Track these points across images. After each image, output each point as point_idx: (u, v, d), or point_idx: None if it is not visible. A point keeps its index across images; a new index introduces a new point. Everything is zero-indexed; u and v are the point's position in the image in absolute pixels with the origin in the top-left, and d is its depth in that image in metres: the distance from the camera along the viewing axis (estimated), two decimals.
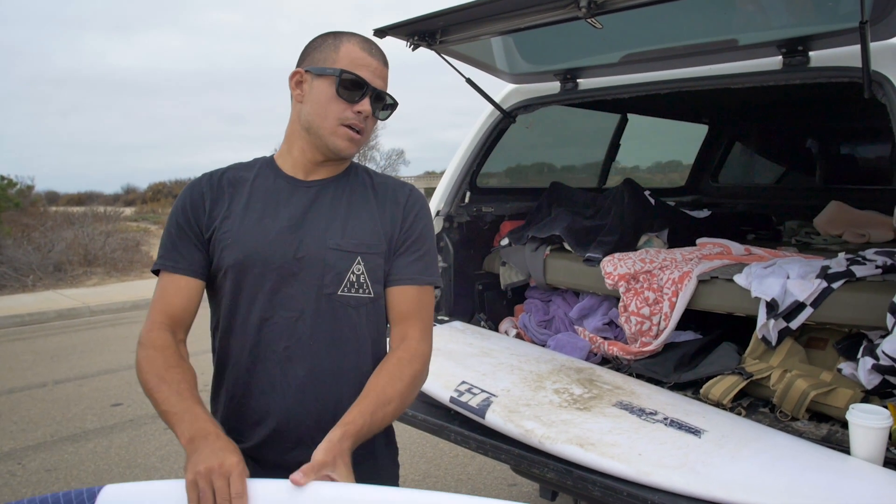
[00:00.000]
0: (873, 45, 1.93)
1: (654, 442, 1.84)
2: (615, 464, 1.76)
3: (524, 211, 3.33)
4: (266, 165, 1.56)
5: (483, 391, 2.13)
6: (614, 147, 4.02)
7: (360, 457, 1.35)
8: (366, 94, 1.45)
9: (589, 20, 2.15)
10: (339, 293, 1.47)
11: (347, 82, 1.44)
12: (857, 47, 1.97)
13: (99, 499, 1.18)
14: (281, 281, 1.45)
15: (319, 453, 1.23)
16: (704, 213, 3.54)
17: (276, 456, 1.47)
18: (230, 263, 1.45)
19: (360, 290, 1.48)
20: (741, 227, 3.72)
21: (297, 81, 1.50)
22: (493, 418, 2.01)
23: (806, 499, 1.58)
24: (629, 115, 3.96)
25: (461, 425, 2.14)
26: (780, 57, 2.21)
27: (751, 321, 2.44)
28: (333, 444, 1.25)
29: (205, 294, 1.54)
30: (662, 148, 5.09)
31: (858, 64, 1.97)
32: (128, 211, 17.72)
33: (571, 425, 1.93)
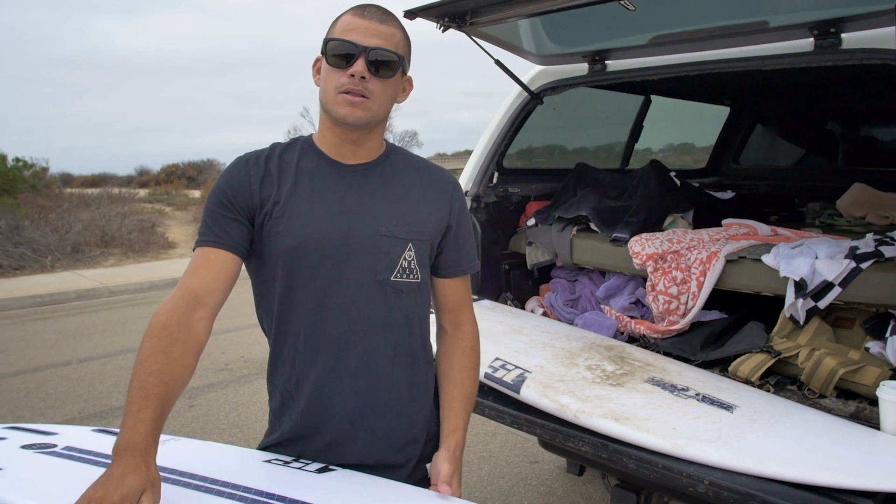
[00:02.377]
0: None
1: (687, 417, 1.89)
2: (650, 437, 1.81)
3: (549, 192, 3.36)
4: (307, 146, 1.55)
5: (517, 367, 2.18)
6: (637, 128, 4.03)
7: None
8: (356, 56, 1.41)
9: (622, 2, 2.18)
10: (392, 279, 1.50)
11: (333, 48, 1.42)
12: (891, 29, 1.99)
13: None
14: (334, 267, 1.46)
15: (445, 464, 1.41)
16: (728, 195, 3.56)
17: (329, 440, 1.52)
18: (283, 250, 1.46)
19: (411, 276, 1.52)
20: (764, 208, 3.74)
21: (317, 69, 1.51)
22: (528, 393, 2.07)
23: (838, 472, 1.62)
24: (652, 97, 3.97)
25: (495, 400, 2.19)
26: (812, 39, 2.23)
27: (776, 301, 2.48)
28: (451, 454, 1.43)
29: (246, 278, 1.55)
30: (683, 129, 5.09)
31: (892, 45, 1.99)
32: (142, 192, 17.83)
33: (606, 400, 1.98)
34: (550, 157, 3.97)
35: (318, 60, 1.51)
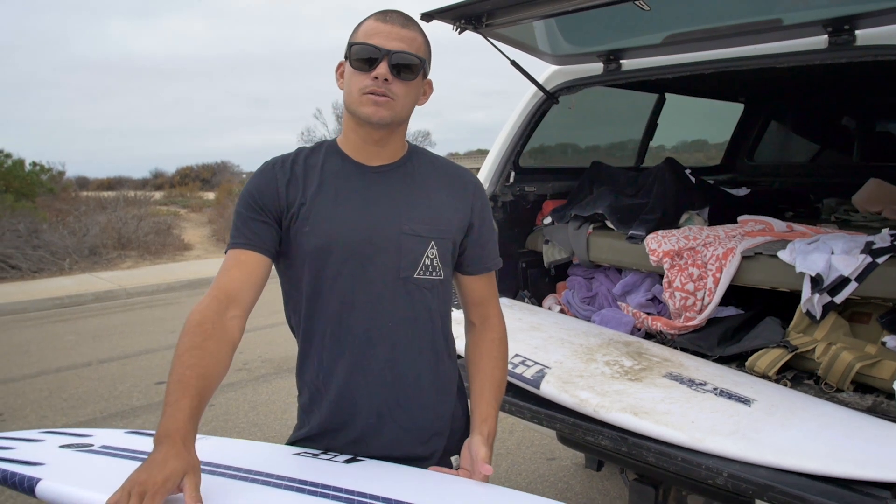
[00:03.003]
0: None
1: (705, 410, 1.92)
2: (669, 431, 1.84)
3: (565, 190, 3.39)
4: (331, 149, 1.59)
5: (536, 363, 2.22)
6: (652, 126, 4.05)
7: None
8: (380, 60, 1.45)
9: (637, 2, 2.20)
10: (415, 276, 1.54)
11: (357, 52, 1.47)
12: None
13: (38, 490, 1.28)
14: (359, 265, 1.51)
15: (482, 448, 1.50)
16: (743, 192, 3.58)
17: (357, 433, 1.57)
18: (310, 249, 1.51)
19: (434, 273, 1.56)
20: (779, 204, 3.75)
21: (340, 72, 1.56)
22: (548, 389, 2.10)
23: (856, 464, 1.64)
24: (666, 95, 3.99)
25: (515, 396, 2.22)
26: (826, 36, 2.24)
27: (791, 296, 2.50)
28: (486, 439, 1.53)
29: (276, 278, 1.60)
30: (696, 127, 5.09)
31: None
32: (157, 195, 17.99)
33: (625, 395, 2.01)
34: (565, 156, 4.00)
35: (341, 64, 1.56)
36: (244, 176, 27.07)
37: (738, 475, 1.69)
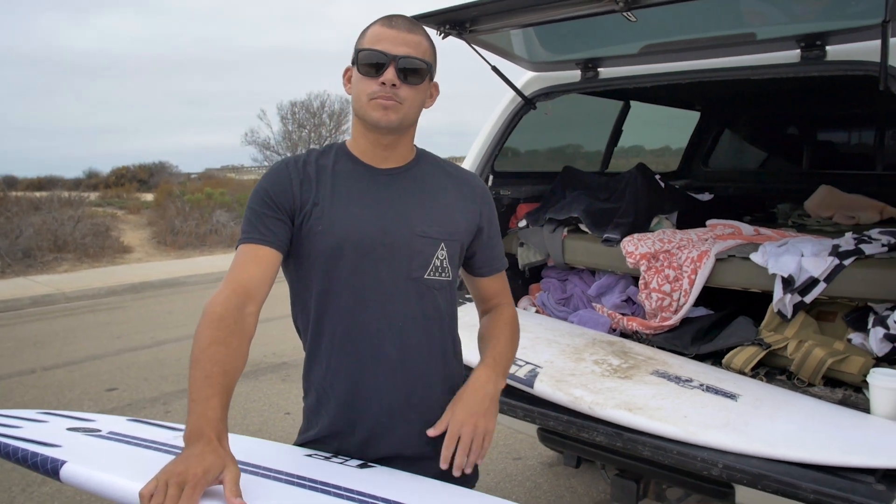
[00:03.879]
0: (890, 42, 2.10)
1: (695, 405, 2.01)
2: (665, 426, 1.91)
3: (538, 194, 3.47)
4: (341, 152, 1.61)
5: (527, 363, 2.27)
6: (617, 133, 4.18)
7: None
8: (387, 65, 1.47)
9: (625, 13, 2.28)
10: (425, 277, 1.57)
11: (364, 58, 1.49)
12: (872, 43, 2.15)
13: (63, 473, 1.28)
14: (371, 265, 1.53)
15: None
16: (707, 197, 3.73)
17: (368, 433, 1.58)
18: (322, 250, 1.52)
19: (443, 274, 1.60)
20: (738, 209, 3.92)
21: (347, 77, 1.58)
22: (542, 388, 2.15)
23: (841, 452, 1.75)
24: (631, 103, 4.12)
25: (506, 395, 2.26)
26: (799, 50, 2.38)
27: (758, 297, 2.63)
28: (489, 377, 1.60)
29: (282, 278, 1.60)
30: (655, 134, 5.28)
31: (874, 58, 2.14)
32: (92, 196, 17.33)
33: (617, 392, 2.09)
34: (535, 161, 4.08)
35: (348, 70, 1.58)
36: (183, 177, 26.39)
37: (732, 466, 1.78)
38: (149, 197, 18.71)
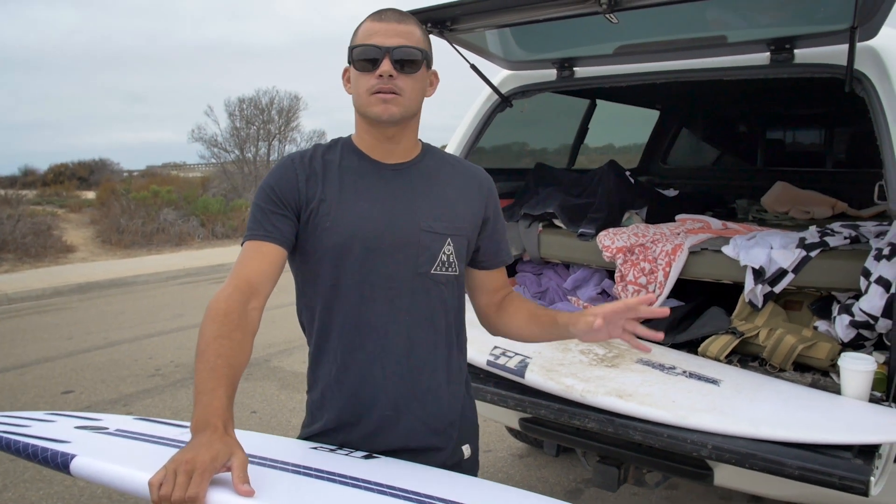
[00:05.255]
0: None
1: (682, 391, 2.10)
2: (655, 410, 2.00)
3: (512, 190, 3.54)
4: (347, 147, 1.63)
5: (517, 354, 2.33)
6: (583, 130, 4.29)
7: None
8: (381, 58, 1.49)
9: (607, 15, 2.36)
10: (432, 272, 1.59)
11: (359, 54, 1.52)
12: (839, 47, 2.28)
13: (73, 466, 1.30)
14: (378, 261, 1.55)
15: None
16: (673, 193, 3.87)
17: (374, 426, 1.60)
18: (330, 245, 1.54)
19: (450, 269, 1.62)
20: (701, 205, 4.07)
21: (346, 78, 1.60)
22: (533, 377, 2.22)
23: (820, 430, 1.87)
24: (597, 101, 4.24)
25: (496, 386, 2.33)
26: (768, 53, 2.50)
27: (728, 287, 2.76)
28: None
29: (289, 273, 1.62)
30: (622, 131, 5.43)
31: (840, 62, 2.27)
32: (30, 194, 16.72)
33: (606, 380, 2.17)
34: (507, 157, 4.15)
35: (346, 70, 1.60)
36: (125, 174, 25.62)
37: (721, 446, 1.88)
38: (90, 195, 18.15)
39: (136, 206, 14.61)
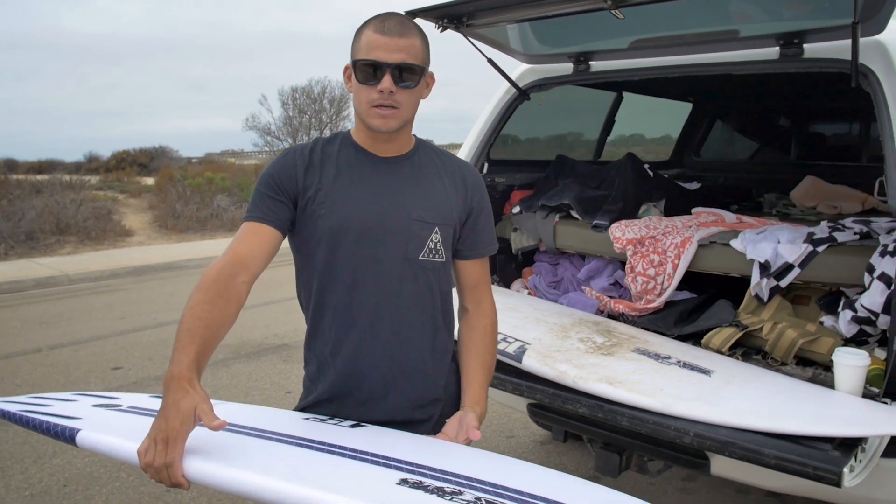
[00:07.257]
0: (861, 41, 2.23)
1: (672, 380, 2.15)
2: (642, 398, 2.06)
3: (532, 181, 3.60)
4: (346, 140, 1.75)
5: (517, 340, 2.41)
6: (610, 123, 4.31)
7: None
8: (383, 73, 1.57)
9: (613, 11, 2.41)
10: (420, 258, 1.71)
11: (362, 68, 1.59)
12: (847, 42, 2.28)
13: (78, 438, 1.45)
14: (370, 246, 1.67)
15: (474, 420, 1.68)
16: (695, 186, 3.87)
17: (363, 398, 1.73)
18: (325, 231, 1.66)
19: (436, 256, 1.73)
20: (726, 198, 4.06)
21: (347, 76, 1.69)
22: (530, 363, 2.30)
23: (801, 422, 1.90)
24: (624, 94, 4.25)
25: (497, 370, 2.40)
26: (778, 48, 2.50)
27: (741, 281, 2.77)
28: (478, 417, 1.71)
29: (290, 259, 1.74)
30: (648, 124, 5.41)
31: (847, 57, 2.27)
32: (93, 179, 17.42)
33: (600, 367, 2.23)
34: (530, 149, 4.21)
35: (347, 68, 1.70)
36: (184, 161, 26.45)
37: (703, 434, 1.93)
38: (149, 181, 18.80)
39: (192, 192, 15.10)
